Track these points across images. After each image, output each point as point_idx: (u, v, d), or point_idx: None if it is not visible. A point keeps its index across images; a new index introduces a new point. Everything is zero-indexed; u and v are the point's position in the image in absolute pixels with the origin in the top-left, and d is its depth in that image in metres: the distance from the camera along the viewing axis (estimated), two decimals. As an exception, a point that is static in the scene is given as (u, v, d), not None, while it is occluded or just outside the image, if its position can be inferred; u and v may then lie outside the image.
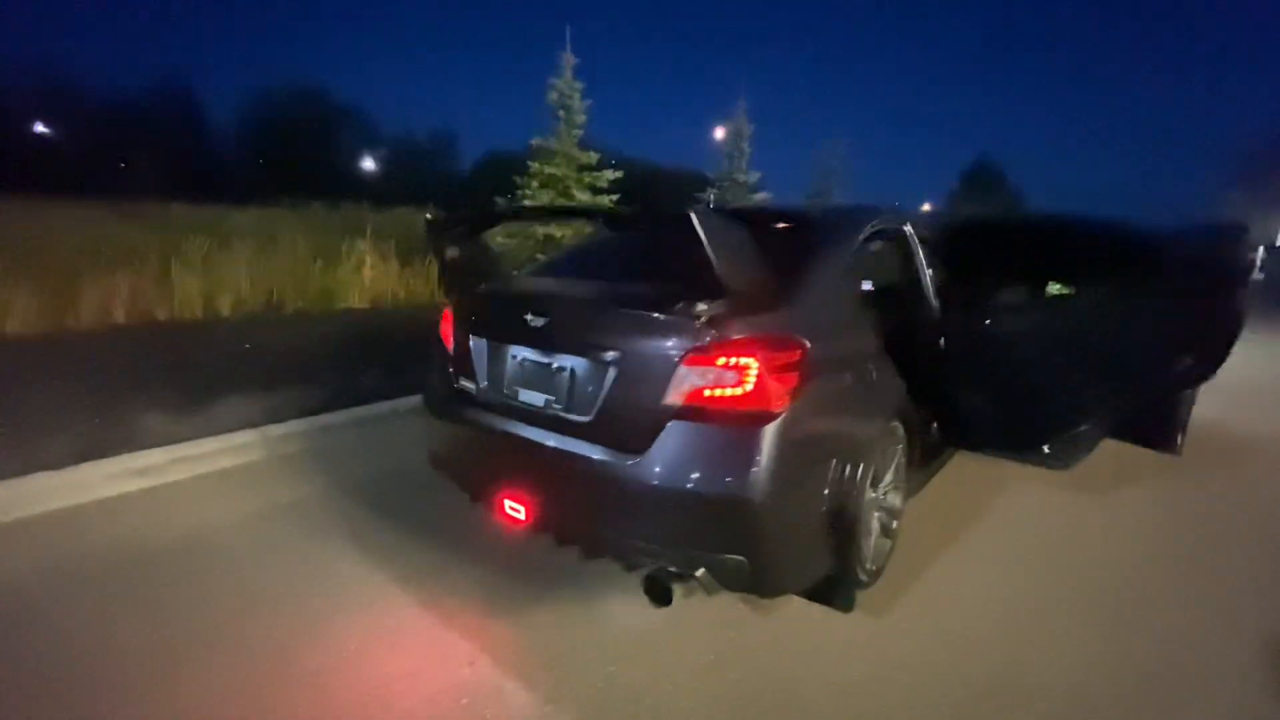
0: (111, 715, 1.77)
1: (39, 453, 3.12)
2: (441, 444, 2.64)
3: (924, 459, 2.91)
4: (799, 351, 1.88)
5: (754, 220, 2.46)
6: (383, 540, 2.72)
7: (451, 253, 2.61)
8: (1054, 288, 3.49)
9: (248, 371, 4.62)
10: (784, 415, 1.80)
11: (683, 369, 1.84)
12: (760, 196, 11.20)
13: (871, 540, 2.31)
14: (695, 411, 1.83)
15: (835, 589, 2.12)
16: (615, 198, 8.21)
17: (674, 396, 1.85)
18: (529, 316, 2.16)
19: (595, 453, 1.97)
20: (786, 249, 2.22)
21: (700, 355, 1.82)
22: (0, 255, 6.48)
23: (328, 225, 11.57)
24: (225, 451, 3.52)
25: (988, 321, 2.92)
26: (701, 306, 1.83)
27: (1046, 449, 2.83)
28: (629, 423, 1.93)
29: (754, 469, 1.76)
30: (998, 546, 2.86)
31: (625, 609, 2.28)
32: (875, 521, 2.35)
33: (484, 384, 2.38)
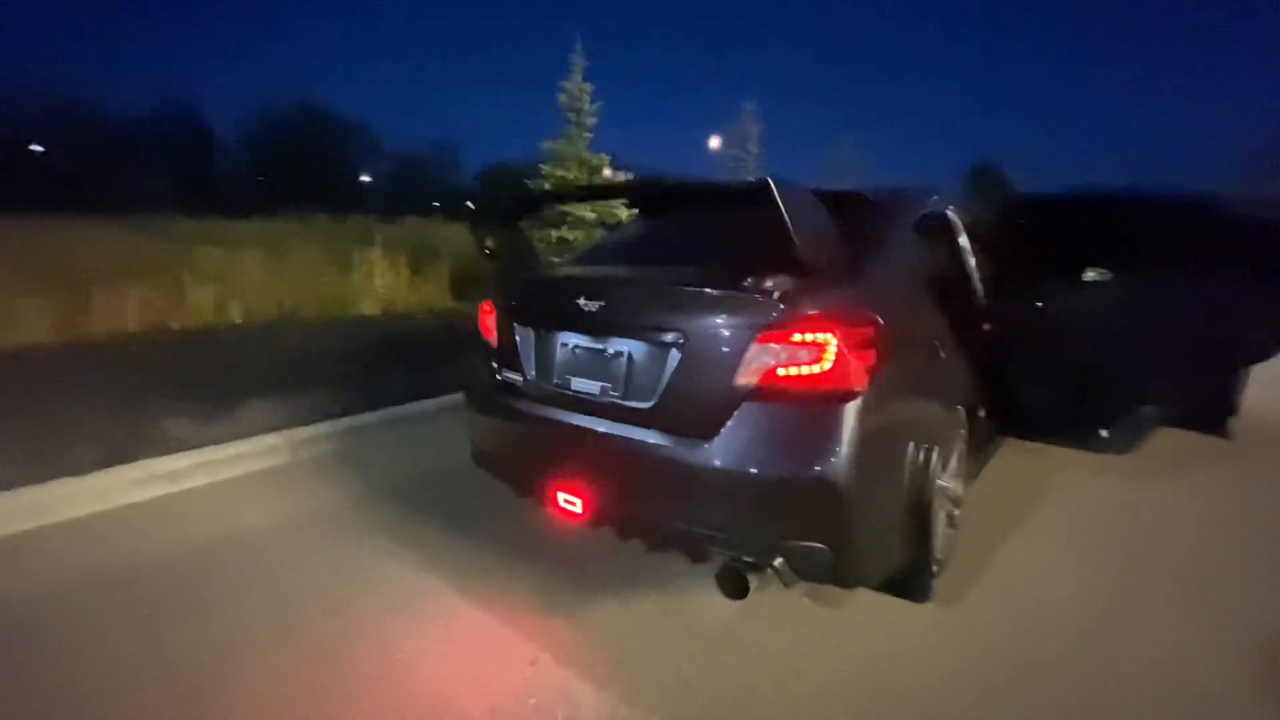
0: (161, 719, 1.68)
1: (63, 458, 3.03)
2: (487, 440, 2.55)
3: (978, 446, 2.82)
4: (875, 327, 1.79)
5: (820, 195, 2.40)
6: (424, 541, 2.62)
7: (491, 242, 2.54)
8: (1090, 274, 3.39)
9: (267, 376, 4.52)
10: (864, 394, 1.71)
11: (755, 347, 1.75)
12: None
13: (941, 529, 2.21)
14: (770, 392, 1.74)
15: (911, 580, 2.02)
16: (625, 202, 8.15)
17: (746, 377, 1.76)
18: (582, 301, 2.07)
19: (660, 440, 1.87)
20: (847, 227, 2.14)
21: (775, 332, 1.73)
22: (17, 267, 6.44)
23: (336, 236, 11.52)
24: (251, 455, 3.43)
25: (1039, 304, 2.85)
26: (774, 281, 1.75)
27: (1105, 433, 2.74)
28: (696, 407, 1.84)
29: (836, 450, 1.67)
30: (1058, 534, 2.77)
31: (691, 605, 2.18)
32: (943, 510, 2.25)
33: (532, 375, 2.29)
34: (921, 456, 1.98)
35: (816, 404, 1.71)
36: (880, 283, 2.04)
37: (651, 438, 1.89)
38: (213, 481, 3.21)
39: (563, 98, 7.59)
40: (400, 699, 1.76)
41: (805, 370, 1.70)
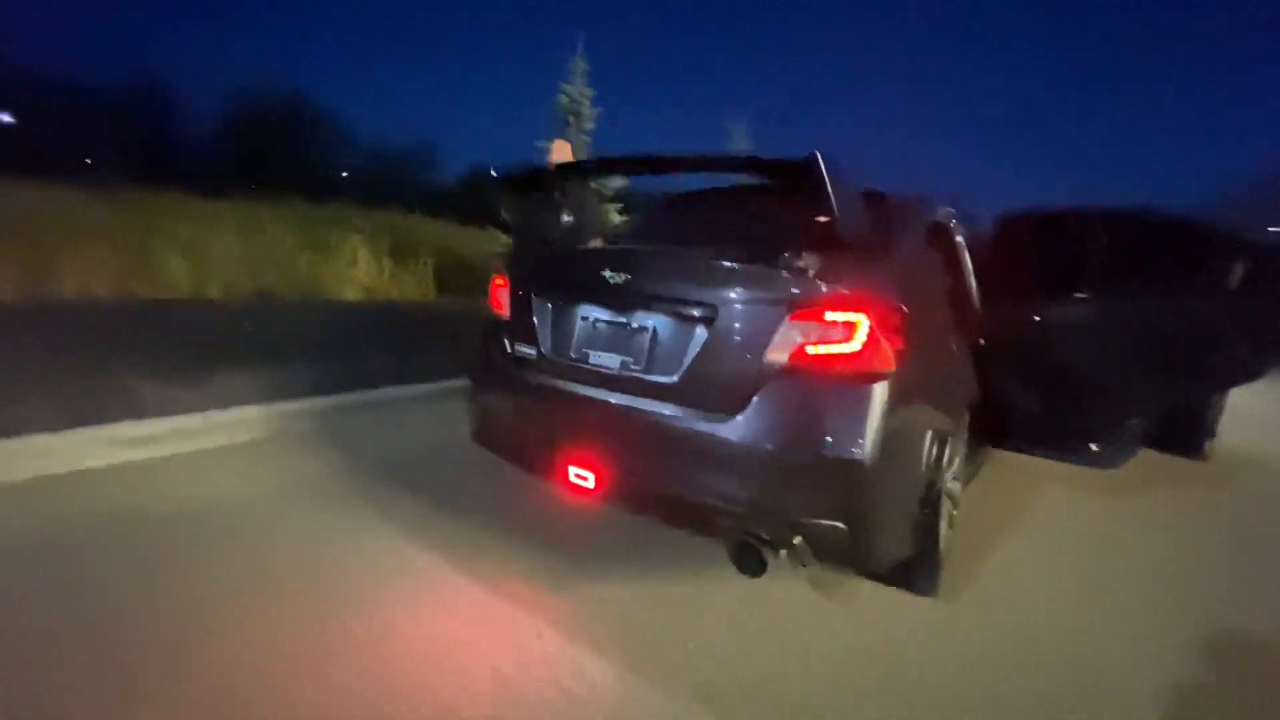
0: (146, 681, 1.57)
1: (28, 415, 2.86)
2: (490, 416, 2.49)
3: (973, 453, 2.88)
4: (902, 314, 1.82)
5: None
6: (415, 516, 2.54)
7: (517, 214, 2.51)
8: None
9: (247, 349, 4.37)
10: (891, 377, 1.73)
11: (786, 324, 1.75)
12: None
13: (944, 525, 2.24)
14: (798, 369, 1.74)
15: (919, 571, 2.03)
16: (620, 206, 8.18)
17: (775, 354, 1.76)
18: (607, 273, 2.05)
19: (682, 414, 1.85)
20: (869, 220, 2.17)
21: (808, 310, 1.74)
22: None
23: (313, 221, 11.27)
24: (229, 426, 3.29)
25: (1037, 318, 2.93)
26: (808, 258, 1.76)
27: (1094, 447, 2.82)
28: (721, 382, 1.83)
29: (862, 429, 1.68)
30: (1044, 543, 2.82)
31: (697, 588, 2.16)
32: (946, 508, 2.28)
33: (546, 348, 2.25)
34: (936, 448, 2.01)
35: (845, 383, 1.72)
36: (903, 276, 2.08)
37: (673, 411, 1.87)
38: (188, 450, 3.07)
39: (562, 99, 7.61)
40: (395, 660, 1.69)
41: (836, 349, 1.72)
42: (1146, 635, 2.11)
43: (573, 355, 2.17)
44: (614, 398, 2.00)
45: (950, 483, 2.39)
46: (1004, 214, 3.02)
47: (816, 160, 1.62)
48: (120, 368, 3.61)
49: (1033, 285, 2.98)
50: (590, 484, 2.02)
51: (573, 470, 2.05)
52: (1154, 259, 2.69)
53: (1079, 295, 2.93)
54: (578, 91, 7.61)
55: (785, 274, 1.78)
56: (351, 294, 7.48)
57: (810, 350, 1.74)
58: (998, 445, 3.12)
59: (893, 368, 1.74)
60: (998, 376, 2.86)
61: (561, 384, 2.15)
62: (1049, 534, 2.93)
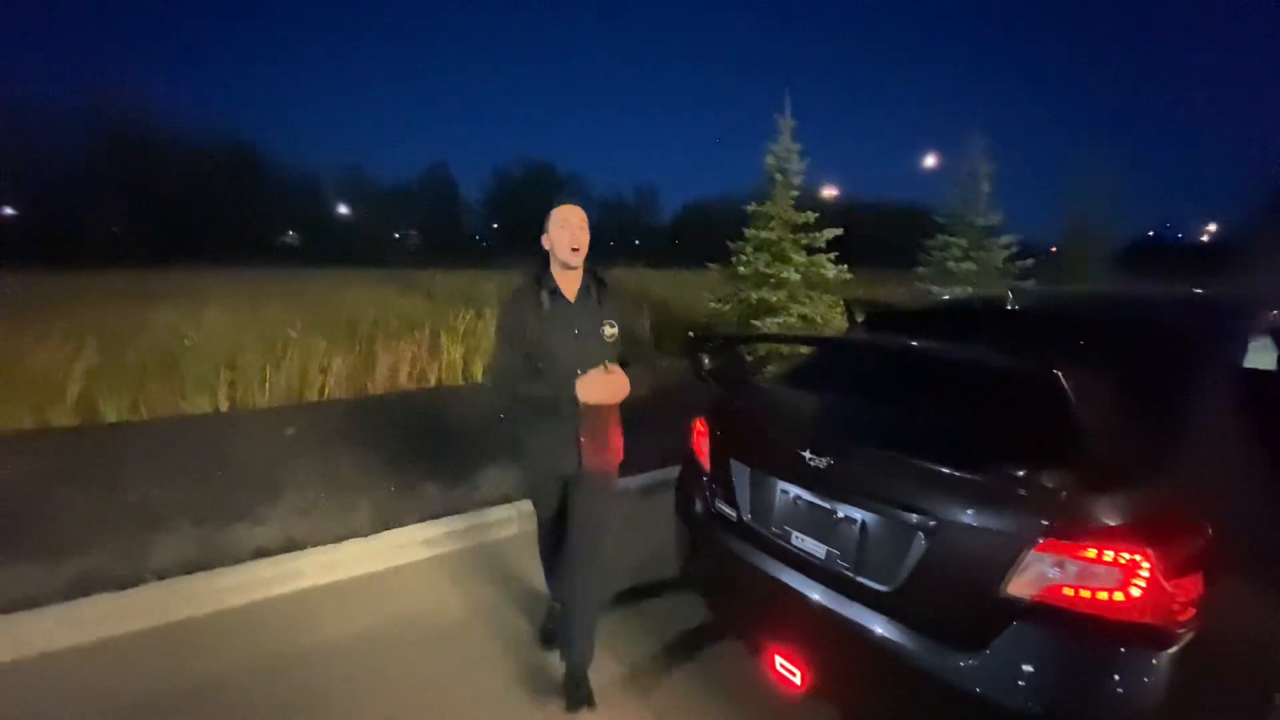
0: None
1: (348, 520, 3.66)
2: (695, 565, 2.50)
3: None
4: (1204, 539, 1.39)
5: (1092, 326, 2.00)
6: (636, 652, 2.68)
7: (708, 363, 2.52)
8: None
9: (501, 444, 5.07)
10: (1186, 631, 1.33)
11: (1032, 555, 1.45)
12: (1005, 240, 9.88)
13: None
14: (1053, 613, 1.42)
15: None
16: (834, 255, 7.78)
17: (1019, 588, 1.47)
18: (807, 455, 1.92)
19: (902, 637, 1.63)
20: (1154, 371, 1.71)
21: (1060, 541, 1.42)
22: (321, 327, 8.15)
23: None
24: (487, 526, 3.83)
25: None
26: (1057, 474, 1.44)
27: None
28: (950, 606, 1.58)
29: (1141, 703, 1.31)
30: None
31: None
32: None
33: (747, 515, 2.18)
34: (1275, 699, 1.49)
35: (1120, 641, 1.36)
36: (1213, 460, 1.58)
37: (895, 633, 1.65)
38: (458, 549, 3.65)
39: (769, 160, 7.52)
40: None
41: (1104, 595, 1.37)
42: None
43: (774, 530, 2.07)
44: (823, 595, 1.85)
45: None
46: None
47: (1058, 382, 1.31)
48: (413, 467, 4.45)
49: None
50: (797, 679, 1.90)
51: (779, 660, 1.95)
52: None
53: None
54: (784, 150, 7.47)
55: (1026, 492, 1.47)
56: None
57: (1067, 591, 1.41)
58: None
59: (1191, 618, 1.33)
60: None
61: (764, 561, 2.06)
62: None
